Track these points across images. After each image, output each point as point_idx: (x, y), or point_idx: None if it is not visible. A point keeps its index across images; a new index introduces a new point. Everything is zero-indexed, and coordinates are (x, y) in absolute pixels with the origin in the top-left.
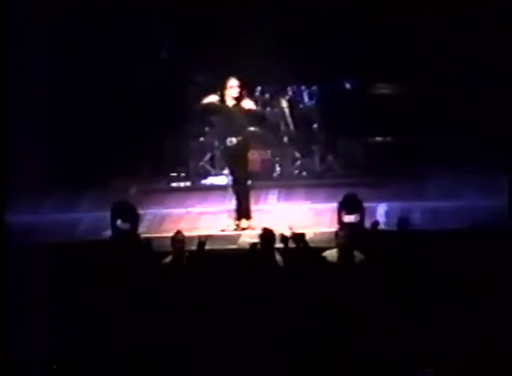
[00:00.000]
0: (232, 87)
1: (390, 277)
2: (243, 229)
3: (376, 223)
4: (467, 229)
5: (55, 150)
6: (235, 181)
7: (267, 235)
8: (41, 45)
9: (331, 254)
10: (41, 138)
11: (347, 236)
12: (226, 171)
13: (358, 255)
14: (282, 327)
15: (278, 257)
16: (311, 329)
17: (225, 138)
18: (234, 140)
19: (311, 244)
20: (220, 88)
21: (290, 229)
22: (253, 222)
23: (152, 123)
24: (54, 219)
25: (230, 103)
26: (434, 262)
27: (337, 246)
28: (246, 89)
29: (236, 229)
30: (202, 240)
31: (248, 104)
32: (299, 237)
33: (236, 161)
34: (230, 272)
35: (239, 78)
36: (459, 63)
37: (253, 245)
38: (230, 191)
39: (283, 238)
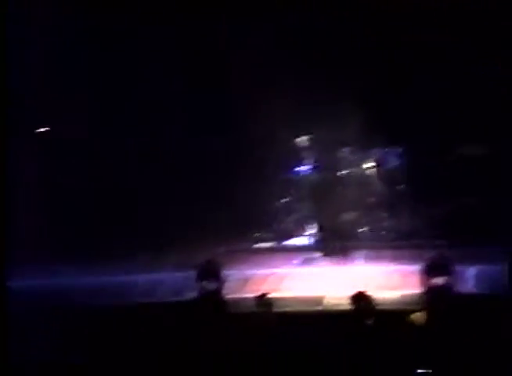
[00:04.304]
0: None
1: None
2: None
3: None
4: None
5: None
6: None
7: (362, 297)
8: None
9: (418, 316)
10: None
11: (435, 298)
12: (310, 232)
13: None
14: None
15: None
16: None
17: None
18: None
19: (398, 306)
20: None
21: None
22: (338, 283)
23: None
24: (136, 280)
25: None
26: None
27: (424, 309)
28: None
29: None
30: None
31: None
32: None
33: None
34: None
35: None
36: None
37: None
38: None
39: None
